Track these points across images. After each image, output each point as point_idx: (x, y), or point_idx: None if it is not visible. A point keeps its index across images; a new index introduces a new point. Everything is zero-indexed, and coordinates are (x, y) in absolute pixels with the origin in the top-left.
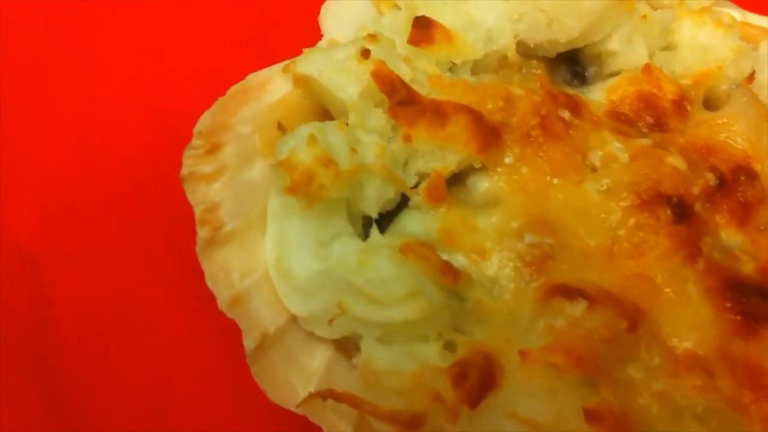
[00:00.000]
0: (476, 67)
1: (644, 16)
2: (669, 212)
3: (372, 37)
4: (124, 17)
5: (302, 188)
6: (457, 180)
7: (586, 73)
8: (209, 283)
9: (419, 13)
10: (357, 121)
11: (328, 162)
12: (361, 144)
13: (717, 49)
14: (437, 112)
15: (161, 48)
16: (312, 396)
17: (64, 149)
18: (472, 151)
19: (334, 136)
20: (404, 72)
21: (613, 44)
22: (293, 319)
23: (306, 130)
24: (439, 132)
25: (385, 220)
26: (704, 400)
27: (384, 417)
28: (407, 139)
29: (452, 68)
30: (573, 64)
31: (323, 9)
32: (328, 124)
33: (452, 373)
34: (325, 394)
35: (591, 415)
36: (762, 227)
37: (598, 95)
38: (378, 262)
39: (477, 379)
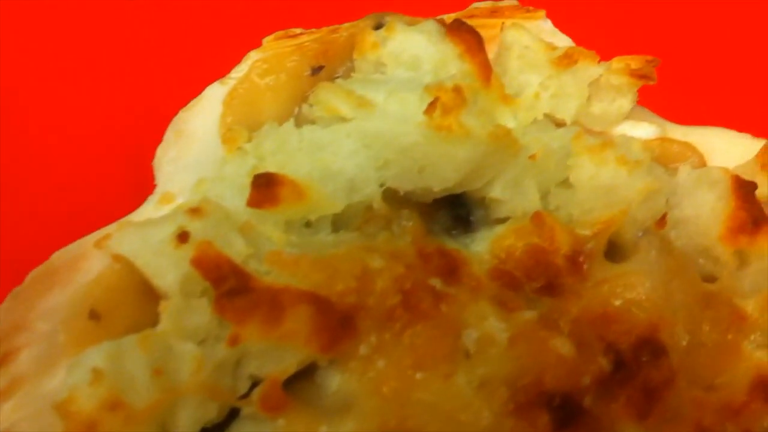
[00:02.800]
0: (339, 221)
1: (533, 156)
2: (548, 418)
3: (195, 211)
4: None
5: None
6: (305, 374)
7: (471, 217)
8: None
9: (267, 160)
10: (171, 326)
11: (116, 405)
12: (174, 357)
13: (621, 191)
14: (273, 304)
15: None
16: None
17: None
18: (315, 349)
19: (133, 360)
20: (239, 249)
21: (497, 191)
22: None
23: (93, 358)
24: (274, 330)
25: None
26: None
27: None
28: (234, 341)
29: (309, 224)
30: (455, 207)
31: (159, 152)
32: (128, 341)
33: None
34: None
35: None
36: (669, 416)
37: (482, 246)
38: None
39: None
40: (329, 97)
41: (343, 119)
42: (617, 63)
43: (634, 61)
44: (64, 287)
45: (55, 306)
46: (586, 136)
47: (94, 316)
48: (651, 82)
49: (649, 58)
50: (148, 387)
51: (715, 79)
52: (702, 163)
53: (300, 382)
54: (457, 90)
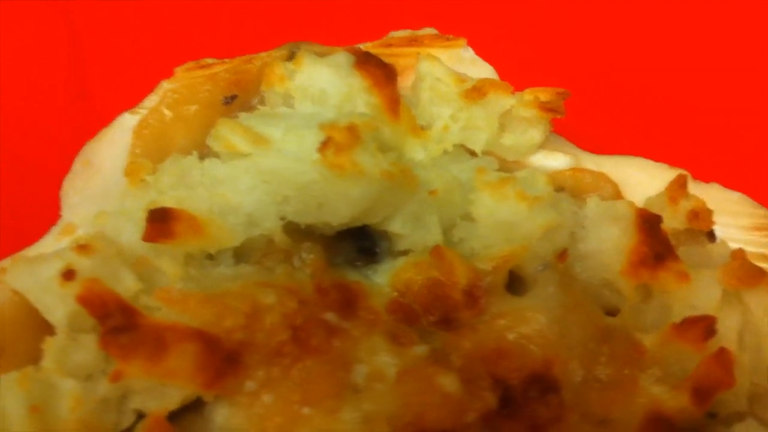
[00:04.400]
0: (241, 253)
1: (433, 192)
2: None
3: (83, 248)
4: None
5: None
6: (194, 407)
7: (376, 249)
8: None
9: (168, 199)
10: (53, 363)
11: None
12: (53, 394)
13: (521, 226)
14: (157, 342)
15: None
16: None
17: None
18: (198, 386)
19: (11, 397)
20: (128, 285)
21: (396, 226)
22: None
23: None
24: (156, 367)
25: None
26: None
27: None
28: (117, 377)
29: (212, 256)
30: (361, 239)
31: (66, 183)
32: (8, 378)
33: None
34: None
35: None
36: None
37: (383, 279)
38: None
39: None
40: (226, 133)
41: (242, 155)
42: (528, 95)
43: (544, 93)
44: None
45: None
46: (489, 171)
47: None
48: (559, 116)
49: (560, 90)
50: (23, 424)
51: (641, 107)
52: (616, 193)
53: (189, 415)
54: (351, 128)
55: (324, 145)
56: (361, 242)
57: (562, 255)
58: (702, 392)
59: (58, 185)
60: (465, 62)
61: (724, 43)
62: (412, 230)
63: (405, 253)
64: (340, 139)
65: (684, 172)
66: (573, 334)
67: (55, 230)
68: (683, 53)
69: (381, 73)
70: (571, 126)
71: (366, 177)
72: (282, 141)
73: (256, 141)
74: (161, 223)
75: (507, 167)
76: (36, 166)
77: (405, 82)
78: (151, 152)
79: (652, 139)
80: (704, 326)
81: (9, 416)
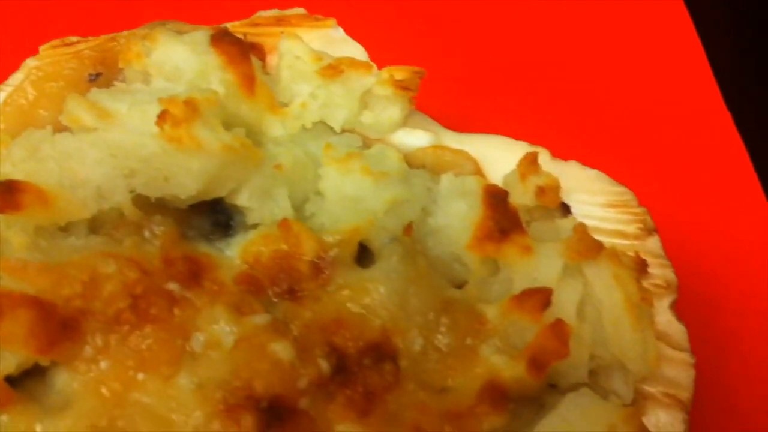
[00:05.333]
0: (95, 225)
1: (278, 166)
2: (252, 419)
3: None
4: None
5: None
6: (37, 372)
7: (231, 222)
8: None
9: (17, 172)
10: None
11: None
12: None
13: (367, 201)
14: None
15: None
16: None
17: None
18: (32, 351)
19: None
20: None
21: (243, 199)
22: None
23: None
24: None
25: None
26: None
27: None
28: None
29: (66, 228)
30: (216, 212)
31: None
32: None
33: None
34: None
35: None
36: (388, 418)
37: (234, 252)
38: None
39: None
40: (74, 108)
41: (89, 129)
42: (384, 74)
43: (399, 72)
44: None
45: None
46: (337, 148)
47: None
48: (412, 94)
49: (416, 69)
50: None
51: (506, 87)
52: (477, 170)
53: (32, 380)
54: (189, 103)
55: (161, 118)
56: (216, 216)
57: (407, 229)
58: (538, 362)
59: None
60: (336, 42)
61: (586, 25)
62: (260, 204)
63: (256, 226)
64: (177, 113)
65: (542, 149)
66: (413, 305)
67: None
68: (549, 36)
69: (236, 50)
70: (436, 105)
71: (205, 150)
72: (127, 116)
73: (101, 116)
74: (8, 194)
75: (371, 145)
76: None
77: (273, 61)
78: (16, 128)
79: (514, 118)
80: (541, 297)
81: None
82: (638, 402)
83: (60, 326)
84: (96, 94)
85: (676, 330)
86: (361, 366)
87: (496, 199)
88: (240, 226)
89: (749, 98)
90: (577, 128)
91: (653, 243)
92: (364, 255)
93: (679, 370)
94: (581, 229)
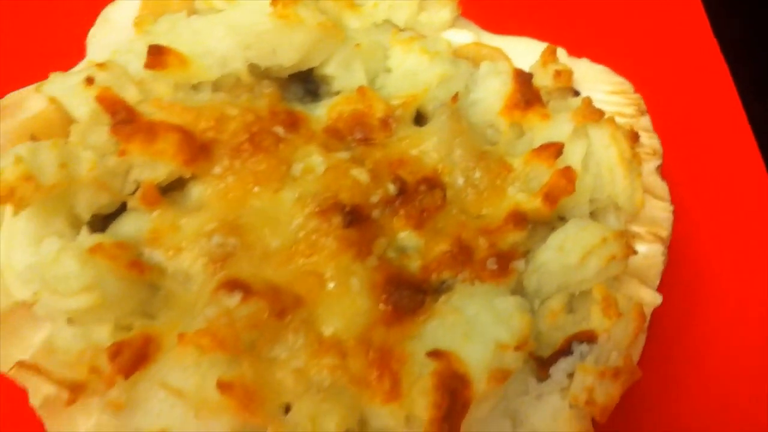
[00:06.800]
0: (217, 86)
1: (358, 45)
2: (340, 218)
3: (101, 65)
4: None
5: (6, 199)
6: (178, 185)
7: (319, 91)
8: None
9: (162, 41)
10: (77, 139)
11: (29, 178)
12: (76, 159)
13: (424, 74)
14: (150, 131)
15: None
16: (17, 364)
17: None
18: (179, 163)
19: (46, 155)
20: (132, 95)
21: (330, 69)
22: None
23: (17, 150)
24: (150, 147)
25: (111, 220)
26: (331, 376)
27: (53, 382)
28: (122, 153)
29: (196, 87)
30: (307, 83)
31: (90, 33)
32: (44, 143)
33: (110, 351)
34: (19, 363)
35: (223, 386)
36: (438, 229)
37: (322, 111)
38: (65, 260)
39: (130, 355)
40: None
41: (217, 11)
42: None
43: None
44: (12, 118)
45: (4, 129)
46: (401, 33)
47: (33, 139)
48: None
49: None
50: (54, 172)
51: None
52: (508, 63)
53: (173, 191)
54: None
55: (274, 1)
56: (308, 85)
57: (454, 97)
58: (551, 196)
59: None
60: None
61: None
62: (343, 73)
63: (338, 93)
64: None
65: (560, 48)
66: (457, 153)
67: (80, 65)
68: None
69: None
70: (477, 11)
71: (305, 25)
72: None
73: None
74: (157, 55)
75: None
76: (65, 20)
77: None
78: (155, 12)
79: (539, 24)
80: (554, 149)
81: (44, 165)
82: (628, 233)
83: (198, 148)
84: None
85: (660, 186)
86: (418, 191)
87: (523, 77)
88: (325, 94)
89: None
90: (589, 31)
91: (645, 121)
92: (419, 122)
93: (660, 214)
94: (588, 101)
